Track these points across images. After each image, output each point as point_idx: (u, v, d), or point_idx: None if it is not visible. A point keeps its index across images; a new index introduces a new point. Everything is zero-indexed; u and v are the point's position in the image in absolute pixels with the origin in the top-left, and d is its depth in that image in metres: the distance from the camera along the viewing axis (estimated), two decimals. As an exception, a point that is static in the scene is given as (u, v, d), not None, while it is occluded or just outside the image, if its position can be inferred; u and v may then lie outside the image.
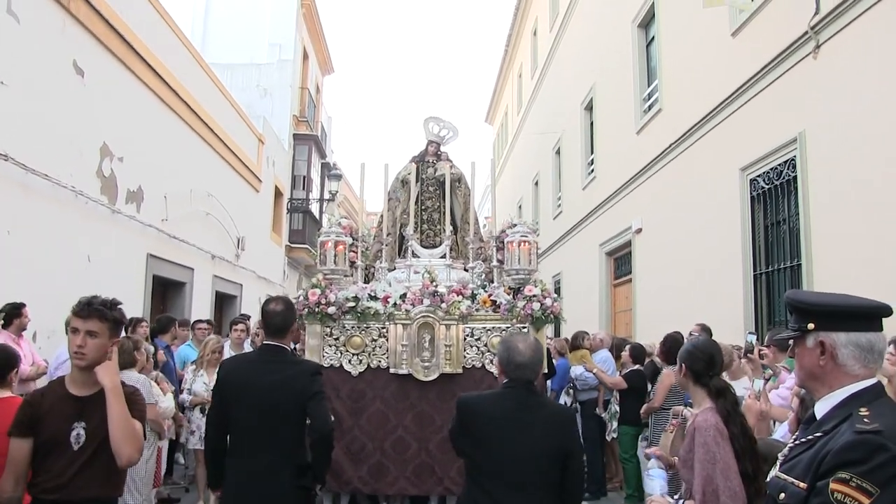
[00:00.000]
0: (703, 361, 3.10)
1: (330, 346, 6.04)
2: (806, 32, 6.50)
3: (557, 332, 12.57)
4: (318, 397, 3.50)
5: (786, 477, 1.92)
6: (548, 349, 8.24)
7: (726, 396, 3.01)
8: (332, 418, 3.62)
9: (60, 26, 7.26)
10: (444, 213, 7.24)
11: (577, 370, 8.03)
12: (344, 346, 6.04)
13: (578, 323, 10.56)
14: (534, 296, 5.95)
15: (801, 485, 1.83)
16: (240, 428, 3.53)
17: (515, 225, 6.30)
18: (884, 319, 1.99)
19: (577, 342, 8.47)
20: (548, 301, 5.93)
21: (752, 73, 7.57)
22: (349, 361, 6.02)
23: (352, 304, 5.98)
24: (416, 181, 7.47)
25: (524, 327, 5.95)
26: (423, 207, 7.50)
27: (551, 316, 5.99)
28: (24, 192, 6.68)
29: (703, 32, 8.99)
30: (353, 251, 6.51)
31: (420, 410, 5.91)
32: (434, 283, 6.02)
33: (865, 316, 1.98)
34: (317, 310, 5.93)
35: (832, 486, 1.71)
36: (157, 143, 9.92)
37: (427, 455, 5.83)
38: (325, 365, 5.87)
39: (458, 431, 3.25)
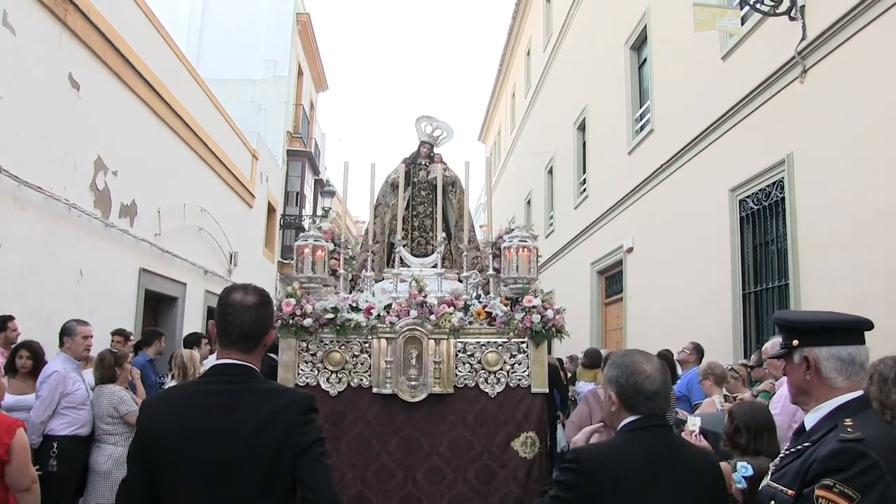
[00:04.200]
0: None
1: (306, 362, 5.39)
2: (793, 57, 6.62)
3: (549, 349, 12.63)
4: (316, 453, 2.17)
5: (776, 485, 2.02)
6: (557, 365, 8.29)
7: None
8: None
9: (57, 39, 7.32)
10: (437, 219, 6.53)
11: (587, 386, 8.12)
12: (321, 362, 5.40)
13: (569, 341, 10.61)
14: (533, 307, 5.34)
15: (790, 492, 1.93)
16: None
17: (513, 230, 5.75)
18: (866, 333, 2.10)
19: (594, 360, 8.56)
20: (549, 313, 5.35)
21: (741, 96, 7.68)
22: (327, 380, 5.37)
23: (330, 315, 5.35)
24: (408, 184, 6.88)
25: (523, 342, 5.38)
26: (414, 213, 6.86)
27: (553, 330, 5.38)
28: (18, 204, 6.70)
29: (694, 56, 9.12)
30: (335, 258, 5.92)
31: (406, 435, 5.26)
32: (422, 293, 5.42)
33: (845, 330, 2.09)
34: (291, 322, 5.30)
35: (817, 492, 1.82)
36: (151, 158, 9.95)
37: (414, 485, 5.21)
38: (301, 383, 5.33)
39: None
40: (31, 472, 3.64)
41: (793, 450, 2.07)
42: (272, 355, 7.49)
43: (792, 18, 6.63)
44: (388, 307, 5.43)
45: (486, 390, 5.35)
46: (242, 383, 2.24)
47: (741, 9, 7.35)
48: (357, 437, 5.26)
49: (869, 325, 2.10)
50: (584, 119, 14.86)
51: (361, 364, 5.41)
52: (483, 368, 5.39)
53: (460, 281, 6.08)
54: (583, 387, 8.30)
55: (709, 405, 5.26)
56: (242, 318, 2.26)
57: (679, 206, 9.60)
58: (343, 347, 5.42)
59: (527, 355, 5.43)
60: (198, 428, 2.14)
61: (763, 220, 7.46)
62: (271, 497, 2.16)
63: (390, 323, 5.38)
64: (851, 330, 2.09)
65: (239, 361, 2.27)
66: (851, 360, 2.04)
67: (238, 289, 2.32)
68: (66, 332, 5.74)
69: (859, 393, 2.05)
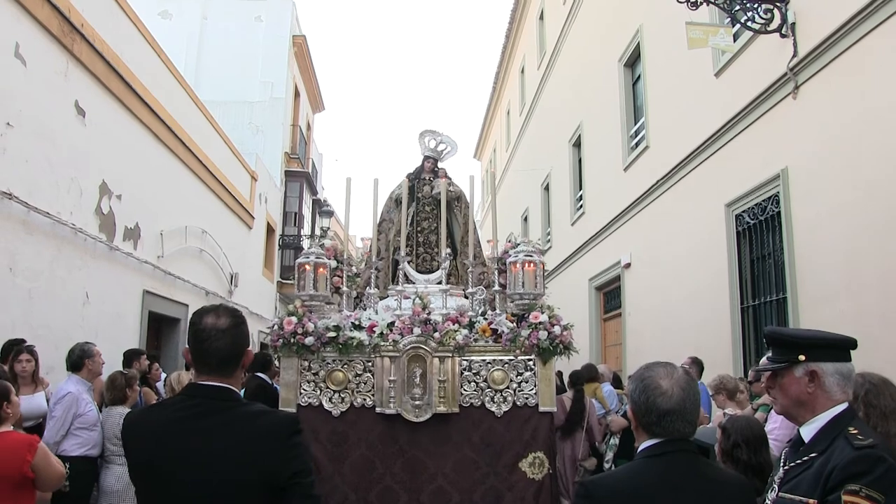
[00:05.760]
0: (581, 375, 7.25)
1: (308, 381, 5.27)
2: (785, 74, 6.75)
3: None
4: (303, 485, 2.09)
5: (791, 496, 2.11)
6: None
7: (583, 393, 7.13)
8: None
9: (64, 68, 7.45)
10: (441, 235, 6.29)
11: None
12: (324, 381, 5.27)
13: (572, 358, 10.73)
14: (540, 323, 5.22)
15: (811, 501, 2.03)
16: None
17: (519, 244, 5.63)
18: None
19: (591, 374, 8.63)
20: (556, 329, 5.24)
21: (735, 112, 7.80)
22: (329, 399, 5.23)
23: (333, 333, 5.22)
24: (412, 200, 6.75)
25: (530, 359, 5.27)
26: (418, 229, 6.75)
27: (560, 346, 5.28)
28: (26, 229, 6.80)
29: (687, 72, 9.26)
30: (338, 275, 5.77)
31: (410, 456, 5.14)
32: (426, 310, 5.31)
33: (845, 347, 2.25)
34: (293, 340, 5.18)
35: (844, 498, 1.92)
36: (154, 181, 10.08)
37: None
38: (303, 403, 5.22)
39: None
40: (55, 478, 3.78)
41: (798, 461, 2.17)
42: (260, 374, 7.55)
43: (783, 35, 6.77)
44: (391, 325, 5.30)
45: (493, 409, 5.21)
46: (219, 407, 2.14)
47: (733, 26, 7.51)
48: (360, 459, 5.13)
49: (856, 344, 2.28)
50: (580, 136, 15.00)
51: (364, 383, 5.28)
52: (489, 387, 5.25)
53: (466, 297, 5.92)
54: None
55: (720, 419, 5.31)
56: (218, 344, 2.17)
57: (676, 222, 9.72)
58: (346, 366, 5.29)
59: (534, 373, 5.29)
60: (175, 451, 2.08)
61: (759, 235, 7.57)
62: None
63: (393, 341, 5.24)
64: (848, 348, 2.26)
65: (217, 383, 2.18)
66: (849, 374, 2.22)
67: (209, 312, 2.22)
68: (85, 355, 5.80)
69: (846, 405, 2.20)
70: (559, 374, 9.57)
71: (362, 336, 5.27)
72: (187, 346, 2.23)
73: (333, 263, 5.70)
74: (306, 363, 5.30)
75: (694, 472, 2.05)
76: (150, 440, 2.12)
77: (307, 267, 5.44)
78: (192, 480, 2.04)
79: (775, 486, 2.24)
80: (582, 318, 14.25)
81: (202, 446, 2.06)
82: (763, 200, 7.37)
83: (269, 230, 18.17)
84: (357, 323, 5.37)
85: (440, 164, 6.98)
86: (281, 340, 5.21)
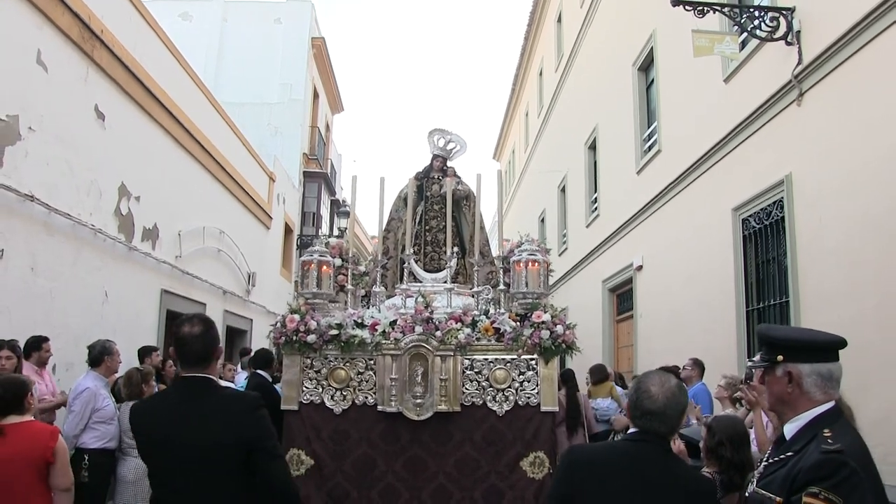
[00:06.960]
0: (571, 373, 7.57)
1: (310, 379, 5.30)
2: (790, 81, 6.81)
3: (563, 365, 12.78)
4: (268, 447, 2.74)
5: (763, 492, 2.21)
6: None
7: (576, 390, 7.52)
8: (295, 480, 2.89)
9: (84, 74, 7.67)
10: (448, 233, 6.24)
11: (603, 402, 8.28)
12: (326, 379, 5.28)
13: (582, 358, 10.79)
14: (542, 322, 5.20)
15: (778, 500, 2.12)
16: (167, 496, 2.79)
17: (522, 243, 5.60)
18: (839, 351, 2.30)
19: (602, 374, 8.75)
20: (559, 328, 5.22)
21: (742, 118, 7.86)
22: (331, 397, 5.25)
23: (335, 331, 5.24)
24: (421, 199, 6.76)
25: (532, 359, 5.27)
26: (427, 228, 6.72)
27: (563, 345, 5.26)
28: (47, 230, 7.02)
29: (698, 78, 9.31)
30: (343, 274, 5.82)
31: (412, 454, 5.16)
32: (428, 309, 5.30)
33: (825, 349, 2.29)
34: (295, 338, 5.22)
35: (805, 499, 2.01)
36: (172, 183, 10.30)
37: None
38: (305, 401, 5.27)
39: (561, 495, 2.51)
40: (70, 473, 3.95)
41: (776, 458, 2.25)
42: (260, 372, 7.72)
43: (788, 43, 6.83)
44: (393, 323, 5.31)
45: (494, 409, 5.21)
46: (203, 392, 2.80)
47: (740, 34, 7.57)
48: (362, 457, 5.16)
49: (844, 344, 2.30)
50: (595, 139, 15.07)
51: (366, 381, 5.29)
52: (491, 386, 5.24)
53: (474, 296, 5.87)
54: (600, 403, 8.44)
55: None
56: (195, 347, 2.82)
57: (685, 225, 9.78)
58: (348, 364, 5.31)
59: (536, 372, 5.27)
60: (172, 429, 2.70)
61: (765, 239, 7.62)
62: (236, 484, 2.69)
63: (395, 339, 5.24)
64: (831, 349, 2.29)
65: (199, 374, 2.82)
66: (830, 375, 2.24)
67: (186, 322, 2.87)
68: (106, 352, 6.06)
69: (832, 404, 2.24)
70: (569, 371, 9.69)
71: (364, 334, 5.29)
72: (172, 347, 2.78)
73: (338, 262, 5.74)
74: (308, 361, 5.34)
75: (660, 461, 2.44)
76: (159, 420, 2.76)
77: (311, 265, 5.48)
78: (192, 446, 2.66)
79: (754, 480, 2.34)
80: (596, 319, 14.34)
81: (196, 421, 2.70)
82: (768, 205, 7.43)
83: (287, 230, 18.38)
84: (359, 321, 5.39)
85: (449, 163, 6.98)
86: (283, 338, 5.27)
